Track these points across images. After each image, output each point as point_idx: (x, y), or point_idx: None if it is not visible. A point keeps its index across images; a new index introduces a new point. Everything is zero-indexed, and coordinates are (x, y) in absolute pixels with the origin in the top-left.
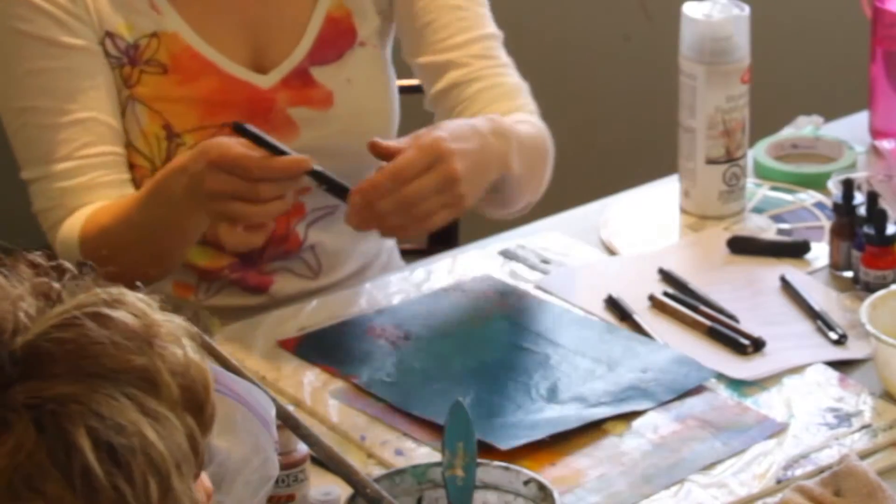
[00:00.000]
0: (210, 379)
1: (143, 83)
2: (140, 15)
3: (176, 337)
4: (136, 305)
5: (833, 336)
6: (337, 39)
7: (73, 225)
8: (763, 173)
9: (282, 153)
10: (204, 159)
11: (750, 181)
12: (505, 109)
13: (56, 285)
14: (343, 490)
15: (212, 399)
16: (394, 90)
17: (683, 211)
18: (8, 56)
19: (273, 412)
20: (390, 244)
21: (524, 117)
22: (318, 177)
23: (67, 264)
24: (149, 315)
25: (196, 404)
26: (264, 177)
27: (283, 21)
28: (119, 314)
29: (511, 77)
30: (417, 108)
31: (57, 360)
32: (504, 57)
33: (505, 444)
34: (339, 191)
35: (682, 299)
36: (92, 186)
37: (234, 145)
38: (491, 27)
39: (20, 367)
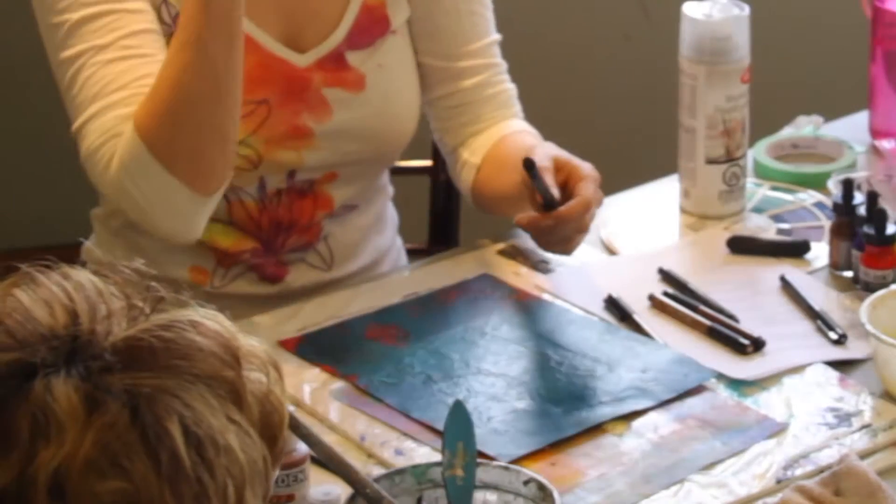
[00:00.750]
0: (286, 415)
1: None
2: None
3: (262, 362)
4: (227, 325)
5: (833, 336)
6: (371, 27)
7: (128, 134)
8: (763, 173)
9: (551, 204)
10: None
11: (750, 181)
12: (506, 116)
13: (156, 293)
14: (343, 490)
15: (284, 435)
16: (416, 76)
17: (683, 211)
18: (71, 5)
19: None
20: (399, 241)
21: (525, 127)
22: (535, 177)
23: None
24: (238, 337)
25: (271, 433)
26: None
27: (322, 6)
28: (215, 326)
29: (509, 83)
30: None
31: (157, 355)
32: (503, 61)
33: (505, 456)
34: (547, 201)
35: (681, 299)
36: None
37: None
38: (495, 31)
39: (121, 358)
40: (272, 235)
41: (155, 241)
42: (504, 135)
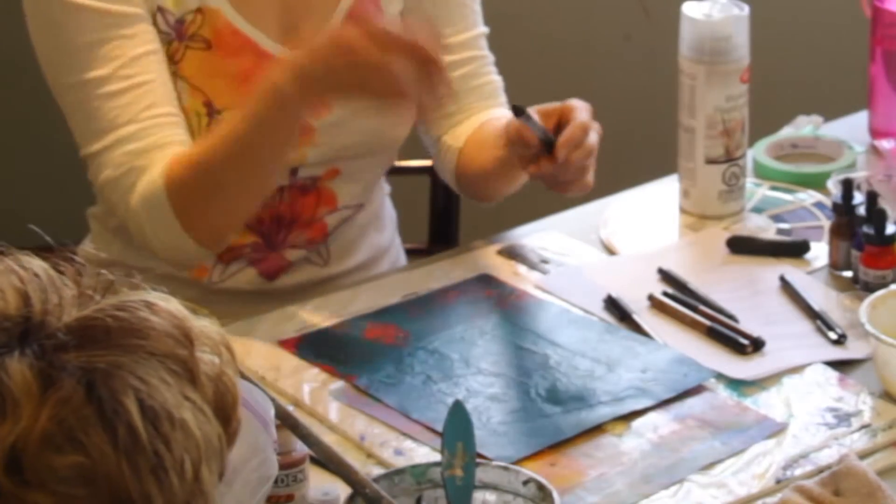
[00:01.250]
0: (238, 395)
1: (188, 59)
2: None
3: (215, 343)
4: (179, 306)
5: (832, 336)
6: (366, 17)
7: (153, 178)
8: (762, 173)
9: (550, 142)
10: (347, 30)
11: (749, 181)
12: (490, 106)
13: (106, 278)
14: (342, 490)
15: (238, 415)
16: None
17: (683, 211)
18: (67, 31)
19: (272, 412)
20: (398, 240)
21: (509, 115)
22: (529, 119)
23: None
24: (189, 318)
25: (224, 414)
26: (399, 47)
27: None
28: (168, 307)
29: (495, 74)
30: None
31: (111, 334)
32: (490, 53)
33: (505, 459)
34: (545, 141)
35: (681, 299)
36: (161, 145)
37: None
38: (482, 24)
39: (75, 337)
40: (273, 230)
41: None
42: (486, 119)
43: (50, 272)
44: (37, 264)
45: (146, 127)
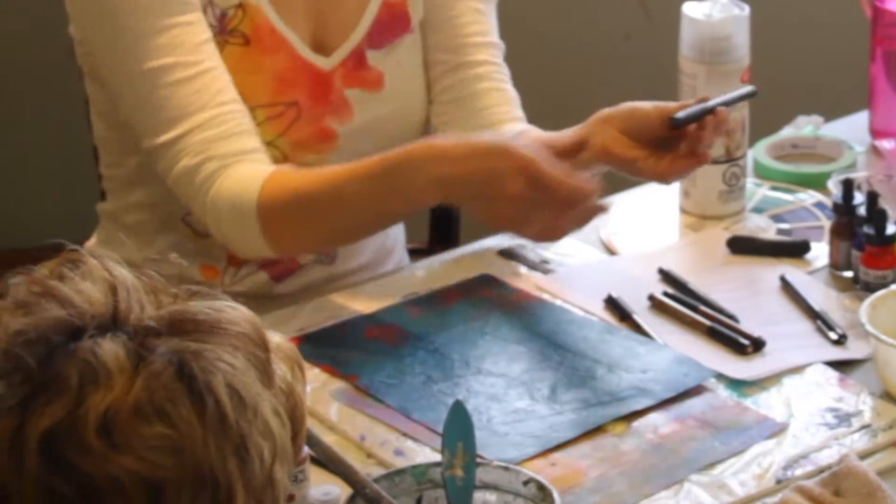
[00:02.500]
0: (305, 413)
1: (226, 53)
2: None
3: (288, 359)
4: (256, 317)
5: (833, 336)
6: (392, 25)
7: (244, 187)
8: (763, 173)
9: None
10: (509, 163)
11: (750, 181)
12: (513, 115)
13: (190, 288)
14: (343, 490)
15: (304, 432)
16: (426, 74)
17: (683, 211)
18: (126, 21)
19: None
20: (403, 238)
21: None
22: (688, 118)
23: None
24: (265, 328)
25: (294, 426)
26: (567, 199)
27: (344, 4)
28: (249, 313)
29: (511, 87)
30: None
31: (199, 325)
32: (505, 66)
33: (506, 461)
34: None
35: (681, 299)
36: (236, 133)
37: (546, 160)
38: (498, 37)
39: (164, 326)
40: None
41: (167, 238)
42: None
43: (133, 280)
44: (120, 270)
45: (219, 114)
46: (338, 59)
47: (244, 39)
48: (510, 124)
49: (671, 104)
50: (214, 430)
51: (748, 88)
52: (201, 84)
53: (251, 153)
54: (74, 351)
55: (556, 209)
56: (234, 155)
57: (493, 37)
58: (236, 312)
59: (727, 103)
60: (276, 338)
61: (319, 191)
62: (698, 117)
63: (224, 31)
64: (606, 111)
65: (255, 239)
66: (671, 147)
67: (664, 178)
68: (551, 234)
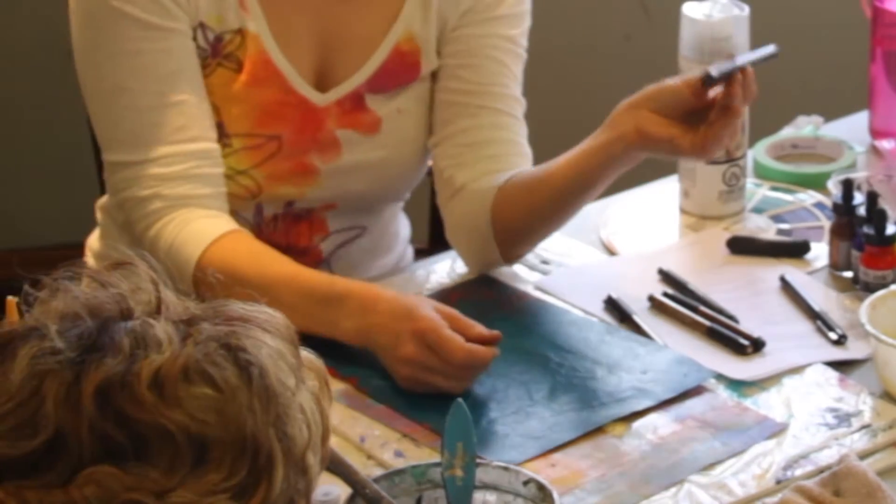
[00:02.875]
0: (330, 427)
1: (216, 76)
2: (230, 10)
3: (317, 370)
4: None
5: (833, 336)
6: (399, 72)
7: (190, 238)
8: (763, 173)
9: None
10: (410, 326)
11: (750, 181)
12: (521, 169)
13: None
14: (342, 490)
15: (328, 447)
16: (429, 120)
17: (683, 211)
18: (105, 35)
19: None
20: (410, 251)
21: None
22: (720, 76)
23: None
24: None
25: (323, 432)
26: (463, 364)
27: (353, 40)
28: (284, 317)
29: (527, 144)
30: None
31: (243, 318)
32: (525, 125)
33: (506, 462)
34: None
35: (681, 300)
36: (189, 176)
37: (444, 326)
38: (520, 93)
39: (211, 314)
40: None
41: None
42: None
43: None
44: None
45: (177, 152)
46: (334, 97)
47: (237, 66)
48: (512, 172)
49: (697, 74)
50: (259, 399)
51: (770, 48)
52: (164, 117)
53: (203, 199)
54: (126, 326)
55: (451, 373)
56: (183, 198)
57: (516, 91)
58: (271, 314)
59: (753, 63)
60: (304, 352)
61: (257, 283)
62: (730, 74)
63: (217, 55)
64: (629, 100)
65: (188, 287)
66: (703, 120)
67: (704, 151)
68: (453, 390)
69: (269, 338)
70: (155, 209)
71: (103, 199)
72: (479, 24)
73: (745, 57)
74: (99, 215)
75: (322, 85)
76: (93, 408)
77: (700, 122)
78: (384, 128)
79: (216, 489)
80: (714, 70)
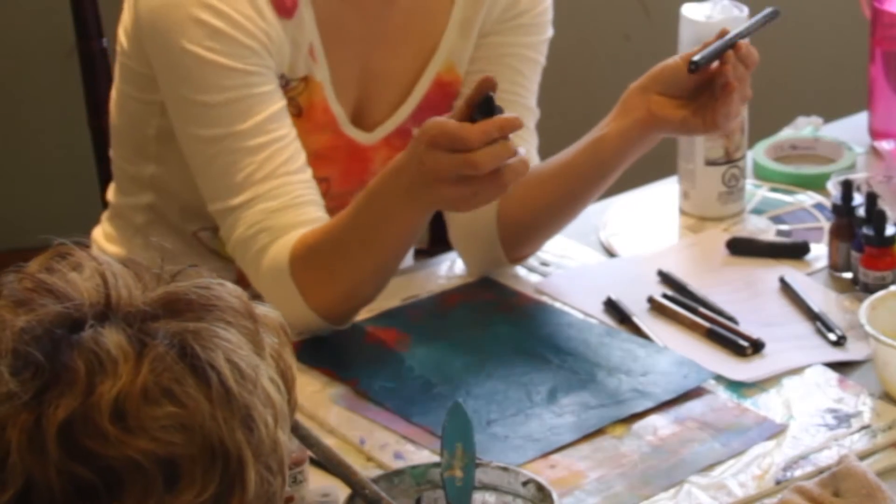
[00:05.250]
0: (294, 374)
1: None
2: (301, 59)
3: (274, 325)
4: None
5: (832, 337)
6: (442, 103)
7: (281, 251)
8: (762, 174)
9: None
10: (424, 140)
11: (749, 182)
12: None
13: (175, 268)
14: (342, 491)
15: (295, 393)
16: None
17: (683, 212)
18: (199, 85)
19: None
20: (410, 256)
21: None
22: (705, 59)
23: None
24: (251, 303)
25: (287, 388)
26: (483, 140)
27: (392, 77)
28: (235, 287)
29: (536, 154)
30: None
31: (192, 304)
32: (536, 136)
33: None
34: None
35: (681, 301)
36: (297, 205)
37: (449, 121)
38: (535, 104)
39: (159, 309)
40: None
41: (178, 247)
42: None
43: (121, 268)
44: (107, 258)
45: (283, 184)
46: (381, 135)
47: (297, 111)
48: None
49: (694, 49)
50: (221, 405)
51: (768, 11)
52: (270, 152)
53: (311, 223)
54: (79, 342)
55: (478, 163)
56: (290, 227)
57: (530, 101)
58: (223, 288)
59: (750, 31)
60: (260, 308)
61: (333, 228)
62: (717, 55)
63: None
64: (637, 83)
65: (294, 300)
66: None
67: (716, 127)
68: (497, 190)
69: (222, 326)
70: (262, 245)
71: (116, 198)
72: (502, 32)
73: (740, 28)
74: (110, 214)
75: (363, 124)
76: (57, 451)
77: (713, 96)
78: None
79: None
80: (698, 56)
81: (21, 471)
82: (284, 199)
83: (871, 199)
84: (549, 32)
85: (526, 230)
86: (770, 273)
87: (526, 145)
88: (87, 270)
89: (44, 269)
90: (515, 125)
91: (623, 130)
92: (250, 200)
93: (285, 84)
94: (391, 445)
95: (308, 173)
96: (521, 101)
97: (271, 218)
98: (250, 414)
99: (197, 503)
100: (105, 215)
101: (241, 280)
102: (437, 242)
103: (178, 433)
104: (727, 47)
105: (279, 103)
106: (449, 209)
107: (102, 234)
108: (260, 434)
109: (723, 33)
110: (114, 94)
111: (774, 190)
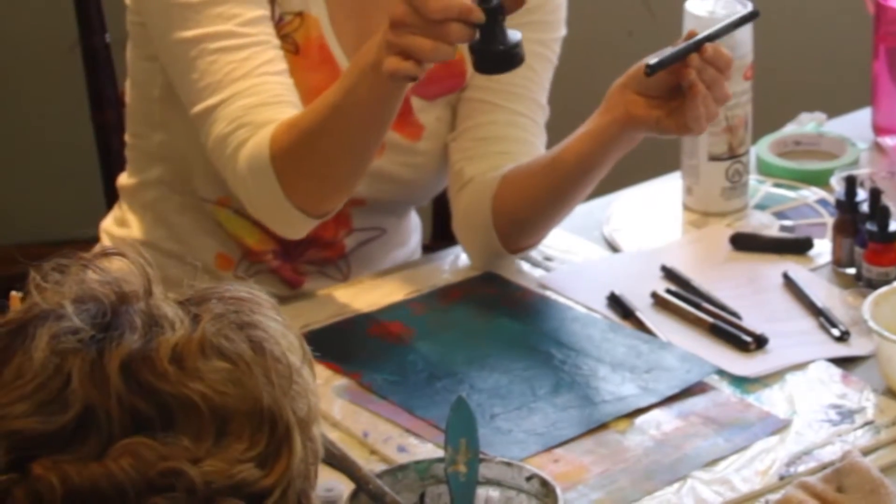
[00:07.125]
0: (318, 403)
1: None
2: None
3: (294, 346)
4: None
5: (836, 333)
6: (446, 79)
7: (260, 143)
8: (766, 170)
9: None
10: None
11: (753, 178)
12: None
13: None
14: (345, 486)
15: (318, 427)
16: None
17: (686, 208)
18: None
19: None
20: (417, 238)
21: None
22: (663, 62)
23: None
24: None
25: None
26: (438, 15)
27: None
28: (270, 298)
29: (542, 149)
30: None
31: (237, 298)
32: (545, 132)
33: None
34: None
35: (684, 296)
36: (276, 103)
37: None
38: (545, 100)
39: (207, 297)
40: (292, 244)
41: (186, 221)
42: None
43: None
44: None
45: (262, 82)
46: None
47: (294, 48)
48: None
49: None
50: (273, 371)
51: (745, 12)
52: (250, 53)
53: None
54: (137, 306)
55: (427, 27)
56: (269, 123)
57: (540, 97)
58: (261, 295)
59: (721, 33)
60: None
61: (311, 115)
62: (677, 58)
63: (277, 35)
64: (617, 82)
65: (273, 190)
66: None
67: (687, 129)
68: (434, 53)
69: (273, 314)
70: (240, 141)
71: (125, 179)
72: (514, 27)
73: (709, 30)
74: (120, 195)
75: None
76: (120, 382)
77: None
78: (425, 135)
79: (242, 458)
80: (653, 60)
81: (81, 397)
82: (263, 97)
83: (875, 194)
84: (562, 31)
85: (520, 222)
86: (773, 269)
87: (530, 136)
88: (133, 263)
89: (92, 258)
90: (475, 15)
91: (603, 128)
92: (230, 97)
93: (279, 20)
94: (395, 439)
95: (289, 79)
96: (531, 95)
97: (250, 114)
98: (296, 389)
99: (247, 457)
100: (115, 206)
101: (247, 253)
102: (441, 238)
103: (232, 386)
104: (689, 51)
105: (261, 11)
106: (400, 72)
107: (112, 220)
108: (303, 411)
109: (690, 35)
110: (129, 70)
111: (778, 185)
